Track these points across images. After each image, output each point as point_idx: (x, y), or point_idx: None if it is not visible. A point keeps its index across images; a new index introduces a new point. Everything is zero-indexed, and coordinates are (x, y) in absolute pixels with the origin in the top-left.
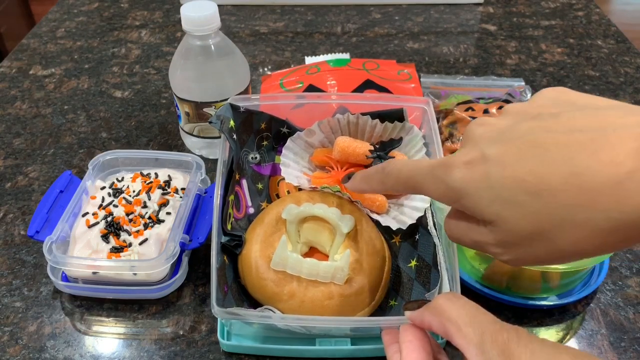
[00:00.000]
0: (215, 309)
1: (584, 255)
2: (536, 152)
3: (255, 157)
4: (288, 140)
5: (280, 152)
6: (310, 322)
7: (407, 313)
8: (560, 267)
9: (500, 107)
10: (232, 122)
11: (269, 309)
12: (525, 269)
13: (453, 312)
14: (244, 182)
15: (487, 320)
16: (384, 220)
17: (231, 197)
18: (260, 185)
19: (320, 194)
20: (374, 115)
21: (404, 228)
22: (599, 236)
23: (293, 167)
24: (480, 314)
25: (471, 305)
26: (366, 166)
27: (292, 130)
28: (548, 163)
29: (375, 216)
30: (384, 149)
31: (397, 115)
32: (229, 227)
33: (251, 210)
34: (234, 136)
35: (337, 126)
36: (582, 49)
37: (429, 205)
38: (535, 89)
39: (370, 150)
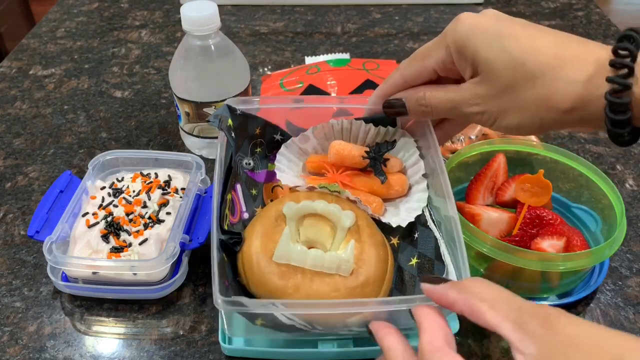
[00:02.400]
0: (219, 300)
1: (535, 115)
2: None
3: (249, 163)
4: (282, 147)
5: (274, 160)
6: (317, 308)
7: (428, 286)
8: (561, 266)
9: None
10: (230, 121)
11: (273, 304)
12: (525, 268)
13: (485, 293)
14: (239, 187)
15: (523, 301)
16: (383, 219)
17: (229, 196)
18: (254, 191)
19: (319, 194)
20: (367, 120)
21: (404, 225)
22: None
23: (288, 172)
24: (515, 297)
25: (505, 290)
26: (362, 169)
27: (286, 137)
28: (538, 46)
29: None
30: (379, 151)
31: (389, 120)
32: (225, 227)
33: (246, 216)
34: (232, 134)
35: (331, 132)
36: None
37: (425, 204)
38: None
39: (366, 152)
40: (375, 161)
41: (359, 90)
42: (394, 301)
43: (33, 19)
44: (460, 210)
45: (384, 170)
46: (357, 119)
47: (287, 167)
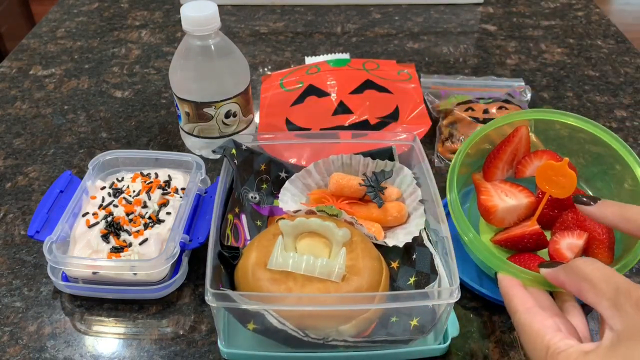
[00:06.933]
0: (209, 294)
1: None
2: None
3: (255, 197)
4: (286, 183)
5: (279, 197)
6: (303, 305)
7: (544, 269)
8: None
9: (500, 108)
10: (234, 151)
11: (266, 310)
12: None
13: (588, 271)
14: (243, 217)
15: (622, 280)
16: (379, 241)
17: (230, 216)
18: (259, 222)
19: (316, 216)
20: (366, 154)
21: (400, 246)
22: None
23: (291, 205)
24: (615, 275)
25: (607, 267)
26: (360, 199)
27: (290, 174)
28: None
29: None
30: (375, 180)
31: (387, 154)
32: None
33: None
34: (235, 161)
35: (332, 167)
36: (582, 49)
37: (423, 227)
38: (535, 89)
39: (363, 179)
40: (373, 188)
41: (359, 90)
42: (387, 299)
43: (33, 19)
44: (476, 188)
45: (381, 196)
46: (355, 153)
47: (291, 200)
